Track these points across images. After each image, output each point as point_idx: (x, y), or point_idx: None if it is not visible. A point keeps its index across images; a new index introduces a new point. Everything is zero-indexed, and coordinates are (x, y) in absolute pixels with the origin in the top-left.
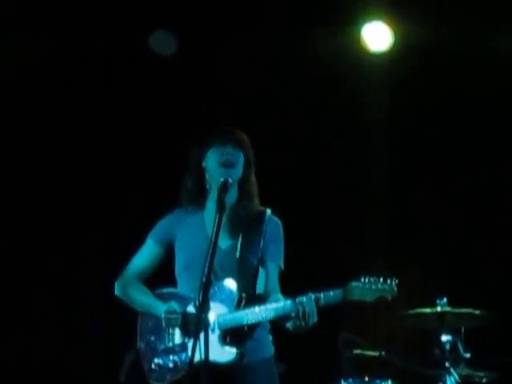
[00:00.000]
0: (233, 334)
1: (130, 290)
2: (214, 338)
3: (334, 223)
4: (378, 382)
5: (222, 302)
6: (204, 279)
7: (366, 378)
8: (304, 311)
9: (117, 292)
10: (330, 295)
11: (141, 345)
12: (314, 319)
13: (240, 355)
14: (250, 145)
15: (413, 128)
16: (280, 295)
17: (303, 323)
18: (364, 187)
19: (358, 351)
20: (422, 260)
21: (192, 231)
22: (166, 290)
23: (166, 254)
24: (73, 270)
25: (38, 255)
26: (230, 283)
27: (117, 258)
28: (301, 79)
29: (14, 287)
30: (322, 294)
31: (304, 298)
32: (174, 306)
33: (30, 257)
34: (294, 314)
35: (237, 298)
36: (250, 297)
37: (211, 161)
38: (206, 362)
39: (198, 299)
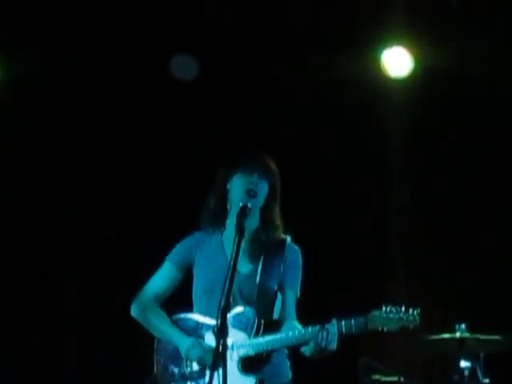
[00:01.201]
0: (252, 361)
1: (149, 314)
2: (233, 365)
3: (355, 246)
4: None
5: (241, 329)
6: (223, 304)
7: None
8: (327, 337)
9: (134, 313)
10: (352, 323)
11: (158, 370)
12: (333, 346)
13: (259, 382)
14: (277, 174)
15: (435, 153)
16: (296, 322)
17: (323, 349)
18: (388, 213)
19: (377, 376)
20: (442, 285)
21: (212, 255)
22: (183, 316)
23: (184, 277)
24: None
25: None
26: (249, 310)
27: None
28: (322, 104)
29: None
30: (343, 322)
31: (327, 325)
32: (197, 343)
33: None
34: (314, 340)
35: (256, 324)
36: (268, 323)
37: (236, 185)
38: None
39: (217, 325)
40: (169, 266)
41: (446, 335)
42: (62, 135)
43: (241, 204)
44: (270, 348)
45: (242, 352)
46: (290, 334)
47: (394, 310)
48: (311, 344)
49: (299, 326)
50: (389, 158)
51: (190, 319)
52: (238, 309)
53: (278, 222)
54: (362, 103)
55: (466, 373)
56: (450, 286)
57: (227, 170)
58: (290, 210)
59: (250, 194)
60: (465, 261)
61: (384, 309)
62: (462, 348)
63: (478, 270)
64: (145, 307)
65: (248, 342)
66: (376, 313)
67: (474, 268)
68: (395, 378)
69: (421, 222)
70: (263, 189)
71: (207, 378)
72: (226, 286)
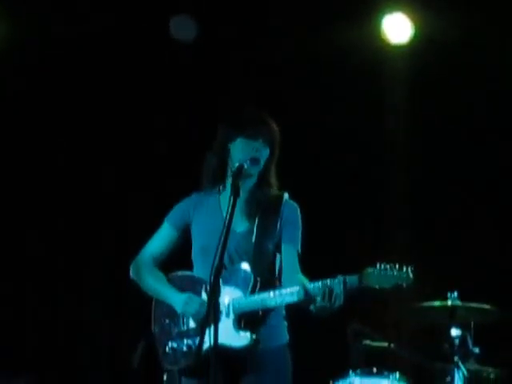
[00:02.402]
0: (248, 319)
1: (145, 275)
2: (228, 322)
3: (351, 212)
4: (385, 373)
5: (237, 286)
6: (216, 263)
7: (375, 370)
8: (331, 292)
9: (132, 275)
10: (346, 280)
11: (155, 329)
12: (340, 302)
13: (255, 341)
14: (278, 137)
15: (435, 120)
16: (302, 276)
17: (329, 305)
18: (384, 179)
19: (367, 342)
20: (435, 253)
21: (209, 215)
22: (180, 273)
23: (183, 238)
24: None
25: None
26: (245, 267)
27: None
28: (322, 72)
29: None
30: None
31: (329, 281)
32: (191, 297)
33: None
34: (320, 296)
35: (252, 282)
36: (265, 281)
37: (238, 148)
38: (215, 346)
39: (210, 283)
40: (166, 227)
41: (437, 303)
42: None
43: (237, 164)
44: (265, 305)
45: (238, 309)
46: (284, 291)
47: (388, 267)
48: (317, 301)
49: (305, 282)
50: (388, 123)
51: (186, 276)
52: (235, 267)
53: (274, 181)
54: (361, 70)
55: (457, 341)
56: (444, 253)
57: (230, 130)
58: (289, 170)
59: (252, 160)
60: (460, 228)
61: (378, 266)
62: (452, 316)
63: (473, 238)
64: (141, 268)
65: (244, 299)
66: (370, 269)
67: (469, 237)
68: (385, 345)
69: (419, 189)
70: (265, 154)
71: (204, 336)
72: (220, 244)
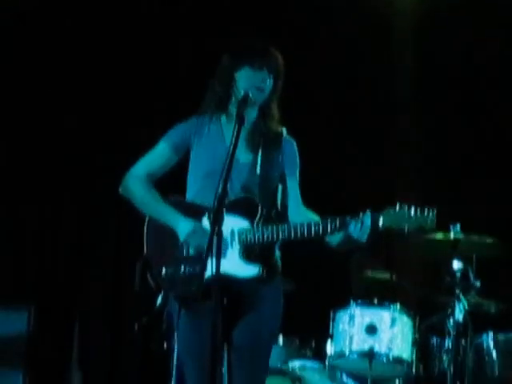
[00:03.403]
0: (255, 250)
1: (141, 190)
2: (234, 252)
3: (356, 147)
4: (386, 304)
5: (243, 216)
6: (220, 192)
7: (375, 301)
8: (362, 224)
9: (123, 190)
10: (374, 217)
11: (148, 252)
12: (366, 235)
13: (263, 272)
14: (283, 69)
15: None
16: (308, 211)
17: (356, 237)
18: (389, 113)
19: (369, 274)
20: (438, 186)
21: (211, 141)
22: (175, 198)
23: (179, 161)
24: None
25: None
26: (252, 197)
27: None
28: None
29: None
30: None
31: (360, 214)
32: (198, 228)
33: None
34: (352, 227)
35: (259, 212)
36: (268, 213)
37: (243, 77)
38: (218, 275)
39: (213, 212)
40: (164, 146)
41: (440, 236)
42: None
43: (243, 92)
44: (278, 237)
45: (246, 239)
46: (313, 222)
47: (411, 209)
48: (341, 234)
49: (314, 216)
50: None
51: (183, 202)
52: (240, 197)
53: (276, 113)
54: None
55: (458, 274)
56: (447, 186)
57: (236, 59)
58: (292, 105)
59: (259, 90)
60: (462, 161)
61: (399, 207)
62: (455, 249)
63: (477, 171)
64: (136, 182)
65: (251, 229)
66: (391, 210)
67: (473, 169)
68: (387, 276)
69: (421, 122)
70: (270, 84)
71: (205, 264)
72: (224, 172)
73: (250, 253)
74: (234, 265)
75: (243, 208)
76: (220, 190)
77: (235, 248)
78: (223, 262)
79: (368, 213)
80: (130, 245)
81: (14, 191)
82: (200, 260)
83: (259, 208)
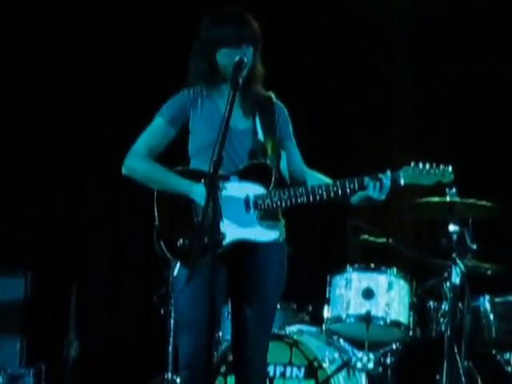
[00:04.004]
0: (270, 215)
1: (146, 166)
2: (252, 218)
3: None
4: (383, 268)
5: (257, 182)
6: (215, 157)
7: (372, 265)
8: (381, 184)
9: (127, 169)
10: (395, 175)
11: (161, 223)
12: (383, 197)
13: (280, 235)
14: (260, 34)
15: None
16: (310, 170)
17: (376, 196)
18: (388, 82)
19: (365, 238)
20: (435, 148)
21: (207, 113)
22: (181, 168)
23: (177, 134)
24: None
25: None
26: (264, 163)
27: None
28: None
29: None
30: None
31: (380, 174)
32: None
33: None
34: (371, 186)
35: (273, 177)
36: (279, 176)
37: (224, 56)
38: (213, 240)
39: (208, 177)
40: (160, 121)
41: (436, 199)
42: None
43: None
44: (296, 202)
45: (263, 204)
46: (331, 184)
47: (427, 165)
48: (359, 194)
49: (324, 178)
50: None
51: (188, 170)
52: (252, 163)
53: (261, 75)
54: None
55: (455, 237)
56: (444, 149)
57: (211, 43)
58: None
59: (240, 63)
60: (458, 124)
61: (414, 164)
62: (451, 212)
63: (474, 135)
64: (140, 160)
65: (267, 193)
66: (409, 168)
67: (470, 133)
68: (383, 240)
69: (418, 82)
70: (250, 54)
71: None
72: (220, 136)
73: (267, 218)
74: (254, 230)
75: (257, 174)
76: (216, 155)
77: (253, 214)
78: (242, 228)
79: (387, 173)
80: (129, 211)
81: (12, 152)
82: (216, 228)
83: (273, 173)
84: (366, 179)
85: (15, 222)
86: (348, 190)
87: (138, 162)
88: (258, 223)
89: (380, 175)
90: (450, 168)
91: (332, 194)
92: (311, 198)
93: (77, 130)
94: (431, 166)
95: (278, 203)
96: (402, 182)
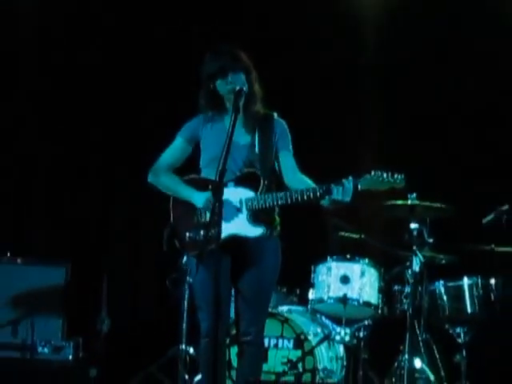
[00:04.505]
0: (260, 214)
1: (165, 178)
2: (243, 217)
3: (324, 123)
4: (357, 258)
5: (248, 187)
6: (220, 167)
7: (348, 256)
8: (344, 188)
9: (151, 179)
10: (356, 182)
11: (174, 221)
12: (348, 197)
13: (266, 230)
14: (247, 60)
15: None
16: (302, 175)
17: (341, 198)
18: (357, 79)
19: (343, 234)
20: (400, 161)
21: (215, 132)
22: (192, 176)
23: (192, 151)
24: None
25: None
26: (254, 172)
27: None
28: None
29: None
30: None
31: (343, 180)
32: (207, 196)
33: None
34: (335, 191)
35: (262, 184)
36: (269, 184)
37: (221, 86)
38: (219, 235)
39: (215, 183)
40: (180, 141)
41: (400, 202)
42: None
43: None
44: (277, 203)
45: (251, 206)
46: (304, 189)
47: (383, 173)
48: (332, 195)
49: (311, 182)
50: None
51: (198, 178)
52: (245, 172)
53: (259, 96)
54: None
55: (415, 233)
56: (406, 161)
57: (209, 78)
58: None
59: (241, 93)
60: (416, 136)
61: (374, 173)
62: (412, 213)
63: (433, 150)
64: (160, 173)
65: (255, 197)
66: (367, 175)
67: (430, 149)
68: (357, 236)
69: (386, 92)
70: (240, 79)
71: (218, 227)
72: (224, 150)
73: (255, 217)
74: (244, 227)
75: (248, 181)
76: (221, 166)
77: (244, 213)
78: (234, 225)
79: (350, 178)
80: (148, 216)
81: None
82: (215, 224)
83: (261, 180)
84: (332, 185)
85: (58, 223)
86: (318, 194)
87: (159, 175)
88: (247, 221)
89: (343, 180)
90: (403, 176)
91: (305, 198)
92: (289, 201)
93: (106, 145)
94: (387, 175)
95: (264, 205)
96: (360, 187)
